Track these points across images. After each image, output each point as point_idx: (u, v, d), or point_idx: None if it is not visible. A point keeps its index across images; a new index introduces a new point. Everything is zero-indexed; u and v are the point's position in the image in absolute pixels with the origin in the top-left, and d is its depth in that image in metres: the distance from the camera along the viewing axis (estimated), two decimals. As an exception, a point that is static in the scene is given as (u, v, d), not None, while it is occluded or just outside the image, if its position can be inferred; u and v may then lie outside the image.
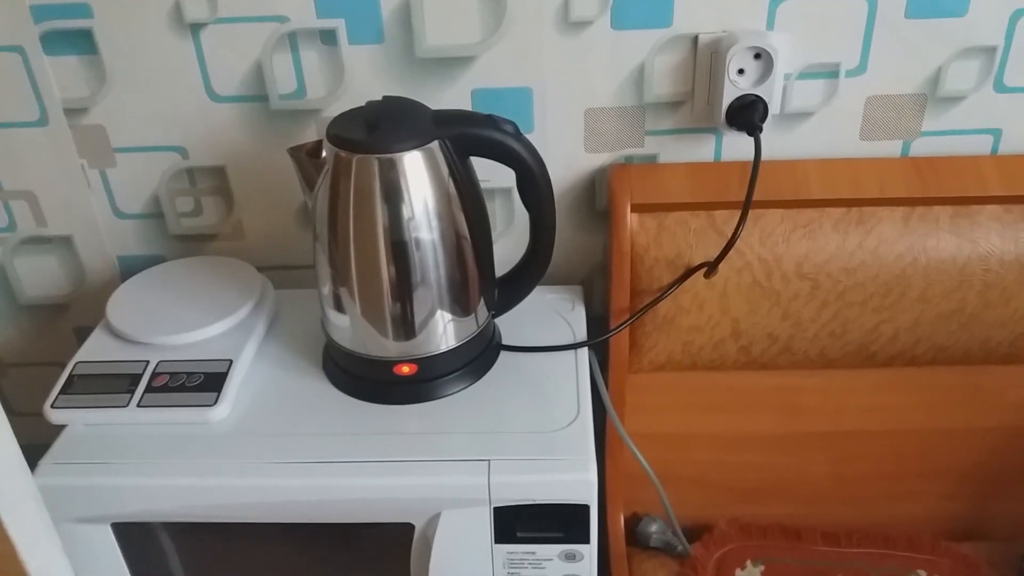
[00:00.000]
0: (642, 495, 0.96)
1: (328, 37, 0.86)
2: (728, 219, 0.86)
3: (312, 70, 0.87)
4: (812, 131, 0.89)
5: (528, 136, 0.77)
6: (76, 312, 1.04)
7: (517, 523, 0.72)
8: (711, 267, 0.84)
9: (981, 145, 0.90)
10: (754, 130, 0.81)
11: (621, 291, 0.89)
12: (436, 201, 0.74)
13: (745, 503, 0.99)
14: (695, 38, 0.84)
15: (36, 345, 1.07)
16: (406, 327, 0.77)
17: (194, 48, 0.86)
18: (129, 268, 1.00)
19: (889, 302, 0.87)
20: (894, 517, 0.99)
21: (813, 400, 0.94)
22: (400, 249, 0.74)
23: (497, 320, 0.86)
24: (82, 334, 1.05)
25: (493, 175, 0.84)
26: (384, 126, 0.72)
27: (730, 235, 0.80)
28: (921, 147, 0.90)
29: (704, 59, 0.85)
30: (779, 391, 0.93)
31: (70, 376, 0.81)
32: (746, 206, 0.79)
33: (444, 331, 0.78)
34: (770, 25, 0.83)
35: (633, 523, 0.99)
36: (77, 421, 0.78)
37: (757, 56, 0.82)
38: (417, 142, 0.72)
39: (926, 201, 0.86)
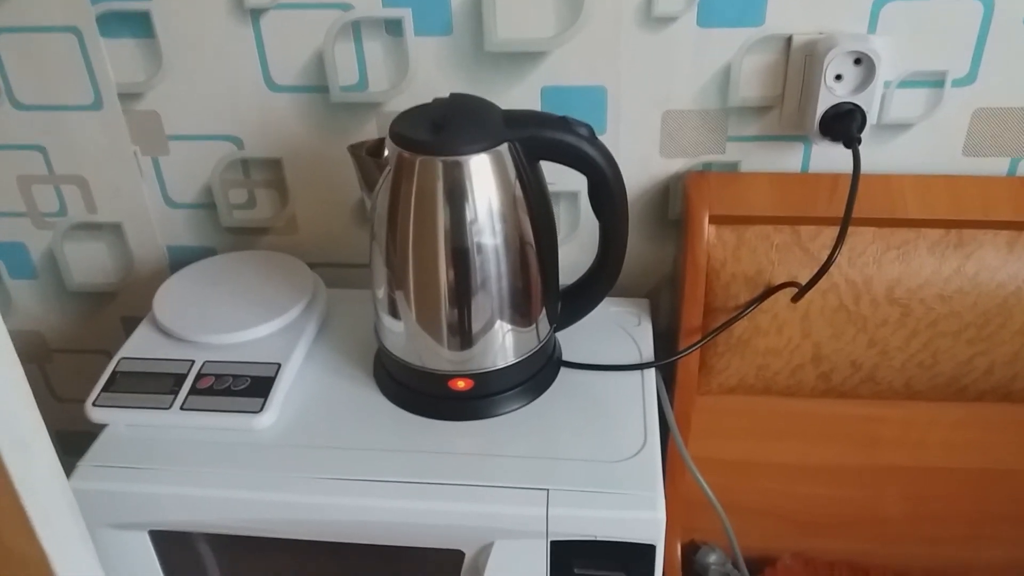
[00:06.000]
0: (700, 523, 0.90)
1: (394, 27, 0.81)
2: (815, 235, 0.80)
3: (375, 61, 0.83)
4: (911, 144, 0.82)
5: (599, 138, 0.71)
6: (124, 301, 1.02)
7: (575, 559, 0.67)
8: (800, 292, 0.77)
9: (1099, 166, 0.82)
10: (852, 142, 0.75)
11: (694, 308, 0.83)
12: (502, 206, 0.69)
13: (812, 537, 0.93)
14: (789, 39, 0.78)
15: (82, 332, 1.05)
16: (463, 338, 0.73)
17: (253, 34, 0.82)
18: (179, 259, 0.97)
19: (987, 333, 0.80)
20: (973, 562, 0.92)
21: (894, 432, 0.87)
22: (461, 256, 0.69)
23: (557, 333, 0.81)
24: (129, 324, 1.03)
25: (559, 178, 0.79)
26: (451, 126, 0.67)
27: (816, 253, 0.74)
28: (1031, 166, 0.83)
29: (797, 62, 0.78)
30: (858, 421, 0.87)
31: (113, 373, 0.78)
32: (844, 227, 0.72)
33: (503, 344, 0.74)
34: (872, 28, 0.76)
35: (690, 552, 0.94)
36: (119, 421, 0.75)
37: (857, 61, 0.75)
38: (485, 144, 0.67)
39: (1035, 226, 0.79)
